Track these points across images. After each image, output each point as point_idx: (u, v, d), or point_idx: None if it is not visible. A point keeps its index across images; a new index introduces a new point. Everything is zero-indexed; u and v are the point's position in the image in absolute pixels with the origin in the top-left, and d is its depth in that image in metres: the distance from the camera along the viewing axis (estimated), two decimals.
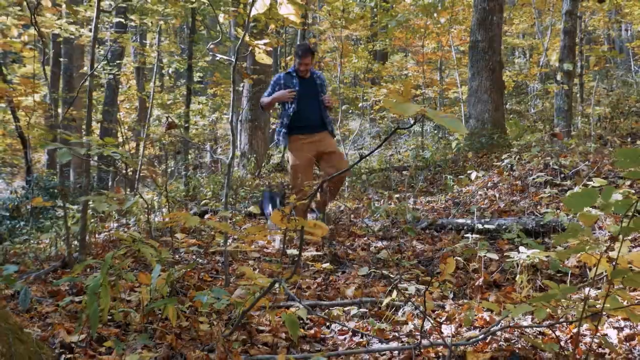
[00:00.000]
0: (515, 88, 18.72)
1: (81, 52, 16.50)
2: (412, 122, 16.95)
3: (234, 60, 3.43)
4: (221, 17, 7.43)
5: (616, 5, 16.79)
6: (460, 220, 5.12)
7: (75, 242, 3.99)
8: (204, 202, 6.32)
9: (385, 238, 4.92)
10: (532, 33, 19.38)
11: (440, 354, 2.51)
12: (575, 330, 2.68)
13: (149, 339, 2.30)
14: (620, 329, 2.88)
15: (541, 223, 4.61)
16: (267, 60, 3.90)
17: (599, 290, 2.91)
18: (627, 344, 2.70)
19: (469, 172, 7.00)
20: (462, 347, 2.52)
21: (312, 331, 2.79)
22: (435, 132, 14.68)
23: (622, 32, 23.71)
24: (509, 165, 6.29)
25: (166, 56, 15.52)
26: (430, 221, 5.22)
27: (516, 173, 6.72)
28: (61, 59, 13.23)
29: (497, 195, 6.42)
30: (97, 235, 4.87)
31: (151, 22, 8.06)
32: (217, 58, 6.72)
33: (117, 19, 8.41)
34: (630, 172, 1.25)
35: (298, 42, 15.78)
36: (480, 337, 2.45)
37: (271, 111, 14.66)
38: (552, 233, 4.49)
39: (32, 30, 6.80)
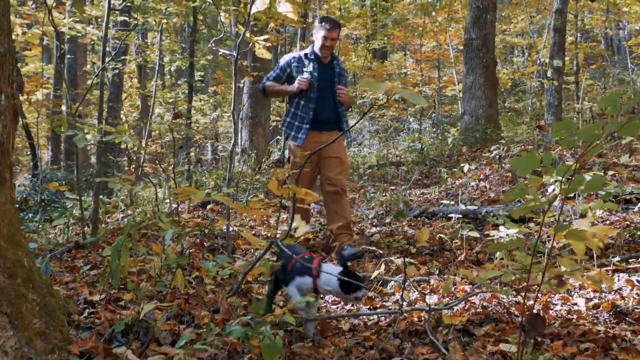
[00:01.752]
0: (513, 87, 18.95)
1: (84, 51, 16.78)
2: (411, 120, 17.22)
3: (235, 54, 3.69)
4: (222, 16, 7.73)
5: (612, 4, 17.01)
6: (451, 209, 5.38)
7: (86, 229, 4.26)
8: (206, 192, 6.58)
9: (379, 224, 5.18)
10: (529, 32, 19.61)
11: (422, 318, 2.77)
12: (542, 299, 2.95)
13: (160, 303, 2.57)
14: (589, 300, 3.15)
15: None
16: (267, 55, 4.16)
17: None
18: (594, 311, 2.97)
19: (462, 165, 7.26)
20: (443, 312, 2.78)
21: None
22: (434, 130, 14.94)
23: (620, 31, 23.94)
24: (498, 157, 6.55)
25: (167, 55, 15.80)
26: (422, 209, 5.49)
27: (507, 166, 7.00)
28: (66, 57, 13.51)
29: (488, 186, 6.69)
30: (105, 222, 5.13)
31: (154, 21, 8.32)
32: (220, 53, 6.97)
33: (122, 18, 8.68)
34: (564, 140, 1.51)
35: (298, 42, 16.05)
36: (456, 302, 2.72)
37: (271, 107, 14.92)
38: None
39: (35, 30, 7.07)
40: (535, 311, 2.83)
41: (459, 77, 15.91)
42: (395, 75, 19.05)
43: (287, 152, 4.38)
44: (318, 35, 4.15)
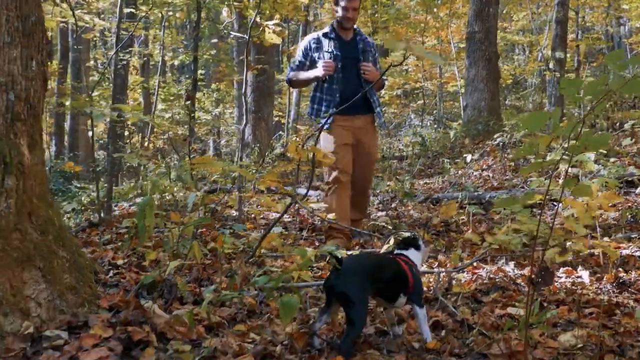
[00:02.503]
0: (515, 84, 19.02)
1: (87, 47, 16.87)
2: (412, 116, 17.31)
3: (247, 37, 3.77)
4: (225, 12, 7.78)
5: (613, 0, 17.10)
6: (455, 194, 5.47)
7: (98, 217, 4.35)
8: (213, 179, 6.65)
9: (385, 209, 5.27)
10: (531, 29, 19.70)
11: (431, 287, 2.86)
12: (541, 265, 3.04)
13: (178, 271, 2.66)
14: (593, 273, 3.24)
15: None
16: (277, 40, 4.25)
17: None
18: (598, 283, 3.06)
19: (464, 155, 7.36)
20: (452, 281, 2.87)
21: (319, 273, 3.14)
22: (435, 126, 15.03)
23: (620, 28, 24.03)
24: (501, 144, 6.64)
25: (169, 52, 15.89)
26: (427, 195, 5.58)
27: (510, 155, 7.08)
28: (70, 52, 13.61)
29: (491, 175, 6.78)
30: (116, 207, 5.21)
31: (160, 13, 8.41)
32: (231, 36, 7.04)
33: (128, 10, 8.77)
34: (572, 97, 1.59)
35: (300, 37, 16.12)
36: (465, 265, 2.81)
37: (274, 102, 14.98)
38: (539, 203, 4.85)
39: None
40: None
41: (460, 74, 16.03)
42: (396, 73, 19.15)
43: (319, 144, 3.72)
44: (338, 7, 3.82)
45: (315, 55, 3.86)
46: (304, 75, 3.91)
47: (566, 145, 1.76)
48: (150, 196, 2.10)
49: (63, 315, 1.91)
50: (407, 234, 2.41)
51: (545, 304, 2.64)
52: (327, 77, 3.78)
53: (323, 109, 3.81)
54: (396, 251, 2.35)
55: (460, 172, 7.32)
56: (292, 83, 4.03)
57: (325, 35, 3.90)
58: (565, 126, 1.66)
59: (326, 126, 3.66)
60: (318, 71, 3.76)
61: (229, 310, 2.27)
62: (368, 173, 4.01)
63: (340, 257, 2.07)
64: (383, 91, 15.86)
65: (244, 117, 3.78)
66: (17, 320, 1.82)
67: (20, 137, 1.96)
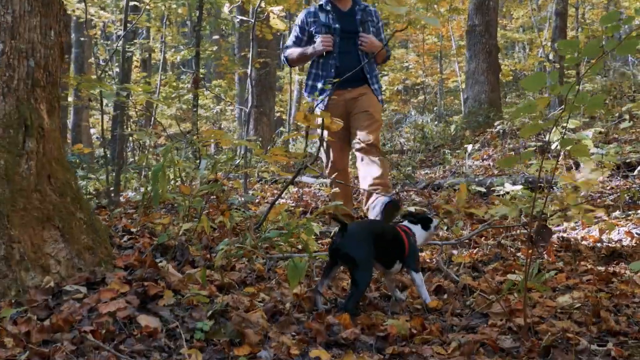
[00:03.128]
0: (515, 82, 19.09)
1: (89, 45, 16.95)
2: (413, 112, 17.38)
3: (253, 20, 3.85)
4: (226, 8, 7.90)
5: None
6: (456, 180, 5.55)
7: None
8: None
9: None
10: (531, 26, 19.77)
11: (434, 258, 2.94)
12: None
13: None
14: (591, 247, 3.32)
15: (529, 179, 5.05)
16: (282, 26, 4.33)
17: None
18: (596, 254, 3.14)
19: (465, 146, 7.43)
20: (454, 252, 2.95)
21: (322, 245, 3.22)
22: (436, 122, 15.11)
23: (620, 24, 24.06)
24: (501, 131, 6.72)
25: (170, 48, 15.97)
26: (428, 182, 5.66)
27: (510, 145, 7.17)
28: (73, 48, 13.67)
29: (492, 164, 6.86)
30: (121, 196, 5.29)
31: (164, 5, 8.50)
32: (237, 19, 7.11)
33: (133, 3, 8.85)
34: (571, 58, 1.67)
35: None
36: (467, 236, 2.89)
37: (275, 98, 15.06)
38: (539, 187, 4.94)
39: None
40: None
41: (461, 70, 16.10)
42: (396, 70, 19.21)
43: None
44: None
45: (312, 29, 3.65)
46: (301, 52, 3.69)
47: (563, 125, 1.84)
48: (162, 163, 2.17)
49: (81, 272, 1.99)
50: (425, 214, 2.47)
51: (546, 271, 2.72)
52: (333, 53, 3.57)
53: (319, 85, 3.59)
54: (403, 222, 2.41)
55: (460, 162, 7.40)
56: (289, 61, 3.79)
57: (321, 7, 3.67)
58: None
59: (321, 105, 3.55)
60: (317, 46, 3.57)
61: (238, 275, 2.36)
62: (373, 132, 3.57)
63: (345, 222, 2.16)
64: (384, 86, 15.91)
65: (249, 98, 3.83)
66: (38, 275, 1.90)
67: (40, 103, 2.04)
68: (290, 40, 3.77)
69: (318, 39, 3.57)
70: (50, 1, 2.11)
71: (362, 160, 3.60)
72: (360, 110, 3.58)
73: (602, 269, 2.83)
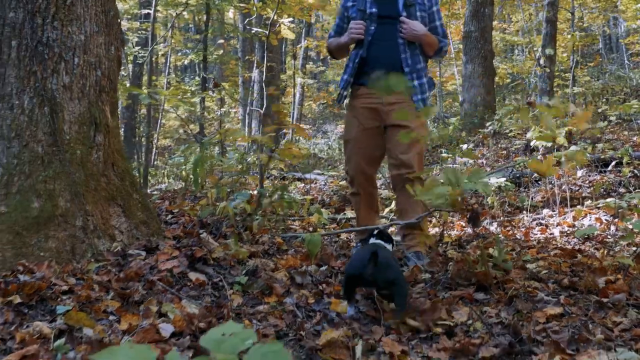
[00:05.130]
0: (513, 85, 19.55)
1: None
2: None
3: (267, 32, 4.34)
4: (230, 14, 8.32)
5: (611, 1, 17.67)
6: None
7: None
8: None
9: (387, 188, 5.83)
10: (530, 30, 20.25)
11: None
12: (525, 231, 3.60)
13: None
14: (563, 232, 3.80)
15: (517, 175, 5.53)
16: (291, 35, 4.82)
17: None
18: (566, 238, 3.62)
19: (460, 145, 7.92)
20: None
21: (333, 225, 3.70)
22: (434, 123, 15.58)
23: (617, 28, 24.57)
24: (492, 131, 7.20)
25: (175, 52, 16.46)
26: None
27: (502, 145, 7.65)
28: None
29: (485, 162, 7.35)
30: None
31: (175, 13, 9.00)
32: (253, 31, 7.60)
33: (146, 11, 9.36)
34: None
35: (304, 38, 16.69)
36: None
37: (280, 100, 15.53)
38: (524, 184, 5.43)
39: None
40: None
41: (459, 73, 16.59)
42: None
43: None
44: None
45: (351, 14, 3.08)
46: (337, 42, 3.13)
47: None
48: (201, 154, 2.65)
49: (139, 241, 2.48)
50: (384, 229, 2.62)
51: (519, 248, 3.21)
52: (368, 39, 2.99)
53: (345, 77, 3.06)
54: (372, 240, 2.40)
55: (457, 160, 7.88)
56: (331, 53, 3.24)
57: None
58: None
59: (341, 101, 3.09)
60: (346, 36, 3.04)
61: (262, 247, 2.84)
62: (412, 154, 2.90)
63: (378, 252, 2.04)
64: None
65: (253, 102, 4.31)
66: (107, 242, 2.39)
67: (105, 105, 2.53)
68: (332, 29, 3.24)
69: (350, 26, 3.03)
70: (111, 22, 2.60)
71: (398, 191, 2.99)
72: (397, 122, 2.88)
73: (569, 247, 3.31)
